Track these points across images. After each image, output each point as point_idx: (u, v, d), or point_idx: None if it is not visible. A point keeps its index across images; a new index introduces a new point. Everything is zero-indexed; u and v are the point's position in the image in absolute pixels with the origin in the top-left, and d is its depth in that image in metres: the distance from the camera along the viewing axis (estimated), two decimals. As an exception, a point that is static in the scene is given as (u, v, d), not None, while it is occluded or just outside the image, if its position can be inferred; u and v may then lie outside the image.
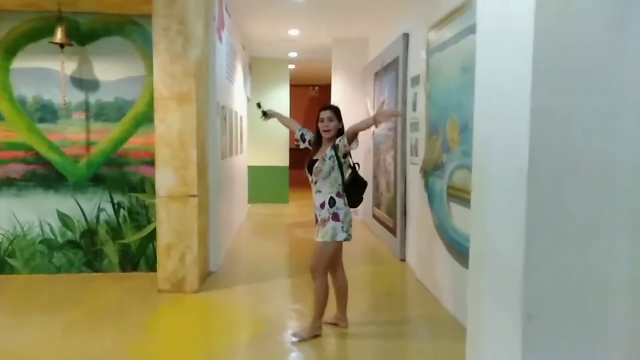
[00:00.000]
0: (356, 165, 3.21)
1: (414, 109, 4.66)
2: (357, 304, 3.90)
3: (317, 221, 3.07)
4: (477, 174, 2.12)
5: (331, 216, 2.99)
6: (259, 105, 3.54)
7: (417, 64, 4.56)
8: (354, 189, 3.14)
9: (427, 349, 3.08)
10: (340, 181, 3.03)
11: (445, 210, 3.68)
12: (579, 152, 1.67)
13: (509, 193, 1.82)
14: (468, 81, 3.26)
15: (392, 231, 5.37)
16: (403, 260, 5.00)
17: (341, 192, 3.06)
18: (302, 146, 3.30)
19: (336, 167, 2.99)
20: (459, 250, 3.42)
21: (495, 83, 1.96)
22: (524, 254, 1.70)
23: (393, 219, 5.35)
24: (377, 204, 6.33)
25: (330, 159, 2.98)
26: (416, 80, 4.59)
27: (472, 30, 3.22)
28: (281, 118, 3.53)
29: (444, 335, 3.25)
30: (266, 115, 3.48)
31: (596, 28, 1.65)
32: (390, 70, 5.51)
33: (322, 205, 3.01)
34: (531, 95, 1.68)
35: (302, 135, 3.27)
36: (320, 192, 3.03)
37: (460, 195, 3.39)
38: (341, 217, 3.01)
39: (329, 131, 3.03)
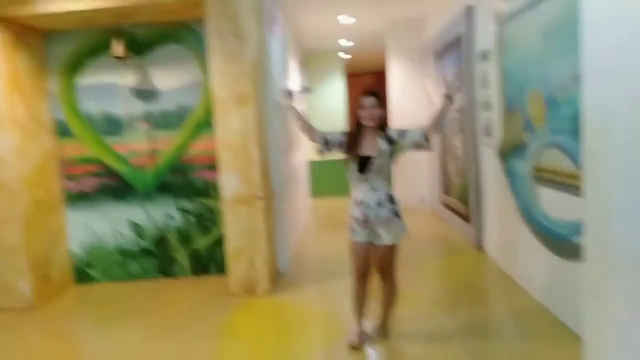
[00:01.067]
0: None
1: (485, 86, 4.30)
2: (435, 299, 3.66)
3: (365, 221, 2.75)
4: (590, 155, 1.81)
5: (394, 214, 2.74)
6: (304, 90, 3.28)
7: (484, 38, 4.20)
8: None
9: (520, 349, 2.78)
10: (391, 175, 2.81)
11: (530, 194, 3.34)
12: None
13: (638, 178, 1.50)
14: (552, 48, 2.91)
15: (465, 218, 5.04)
16: (479, 249, 4.67)
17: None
18: (325, 154, 2.91)
19: (391, 161, 2.77)
20: (550, 237, 3.09)
21: (613, 45, 1.62)
22: None
23: (466, 206, 5.02)
24: (445, 191, 6.00)
25: (387, 154, 2.73)
26: (485, 55, 4.23)
27: (552, -9, 2.86)
28: (298, 116, 3.06)
29: (539, 332, 2.93)
30: (290, 94, 3.15)
31: None
32: (453, 47, 5.15)
33: (380, 204, 2.72)
34: None
35: (327, 141, 2.86)
36: (375, 189, 2.73)
37: (550, 178, 3.04)
38: (401, 213, 2.80)
39: (372, 119, 2.72)
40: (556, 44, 2.86)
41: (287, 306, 3.68)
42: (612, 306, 1.71)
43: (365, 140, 2.76)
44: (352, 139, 2.78)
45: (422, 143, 2.75)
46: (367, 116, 2.71)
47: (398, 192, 7.42)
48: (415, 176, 7.08)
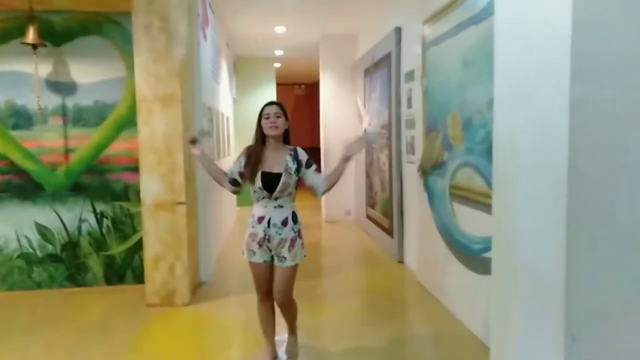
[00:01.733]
0: None
1: (409, 106, 4.49)
2: (356, 309, 3.73)
3: (267, 240, 2.56)
4: (499, 175, 1.94)
5: (297, 234, 2.60)
6: (201, 134, 2.88)
7: (411, 59, 4.39)
8: None
9: (434, 357, 2.91)
10: (295, 193, 2.65)
11: (447, 210, 3.52)
12: (626, 150, 1.48)
13: (544, 197, 1.61)
14: (470, 75, 3.11)
15: (388, 232, 5.20)
16: (401, 262, 4.84)
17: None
18: (240, 189, 2.69)
19: (296, 181, 2.60)
20: (465, 253, 3.27)
21: (521, 74, 1.76)
22: (565, 266, 1.50)
23: (389, 219, 5.19)
24: (370, 204, 6.17)
25: (294, 173, 2.57)
26: (410, 76, 4.42)
27: (472, 21, 3.07)
28: (205, 163, 2.73)
29: (452, 343, 3.08)
30: (194, 141, 2.67)
31: None
32: (382, 65, 5.34)
33: (285, 222, 2.56)
34: (570, 86, 1.46)
35: (234, 180, 2.64)
36: (282, 207, 2.57)
37: (465, 195, 3.23)
38: (302, 232, 2.67)
39: (276, 127, 2.55)
40: (473, 70, 3.06)
41: (207, 318, 3.55)
42: (514, 319, 1.83)
43: (270, 156, 2.58)
44: (255, 154, 2.58)
45: (317, 189, 2.62)
46: (271, 124, 2.54)
47: (324, 204, 7.55)
48: (342, 189, 7.19)
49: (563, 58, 1.47)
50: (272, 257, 2.62)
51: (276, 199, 2.56)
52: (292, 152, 2.62)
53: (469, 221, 3.18)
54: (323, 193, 2.64)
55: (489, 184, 2.84)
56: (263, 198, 2.57)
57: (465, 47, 3.17)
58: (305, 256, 2.67)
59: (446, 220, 3.56)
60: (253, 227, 2.61)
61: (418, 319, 3.60)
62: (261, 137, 2.61)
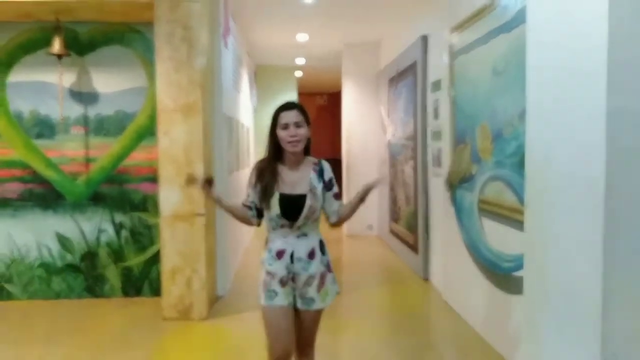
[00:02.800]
0: None
1: (436, 116, 4.34)
2: (379, 328, 3.58)
3: (291, 279, 2.02)
4: (531, 190, 1.80)
5: (327, 268, 2.08)
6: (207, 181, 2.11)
7: (437, 68, 4.25)
8: None
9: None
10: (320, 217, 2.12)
11: (476, 226, 3.35)
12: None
13: (580, 213, 1.50)
14: (501, 85, 2.96)
15: (413, 248, 5.03)
16: (426, 280, 4.66)
17: None
18: (260, 222, 2.15)
19: (322, 201, 2.07)
20: (494, 271, 3.09)
21: (555, 85, 1.65)
22: (602, 283, 1.41)
23: (413, 235, 5.01)
24: (394, 218, 6.00)
25: (321, 193, 2.05)
26: (437, 85, 4.28)
27: (502, 29, 2.92)
28: (223, 206, 2.14)
29: (481, 368, 2.90)
30: (210, 182, 2.11)
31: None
32: (407, 75, 5.21)
33: (312, 255, 2.03)
34: (607, 97, 1.38)
35: (257, 212, 2.11)
36: (306, 235, 2.03)
37: (494, 210, 3.06)
38: (331, 263, 2.14)
39: (297, 142, 1.99)
40: (504, 80, 2.90)
41: (224, 333, 3.45)
42: (547, 341, 1.69)
43: (288, 172, 2.05)
44: (269, 171, 2.04)
45: (328, 217, 2.12)
46: (291, 138, 1.98)
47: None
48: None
49: (599, 68, 1.40)
50: (294, 299, 2.05)
51: (300, 227, 2.03)
52: (317, 167, 2.09)
53: (499, 238, 3.01)
54: (332, 225, 2.15)
55: (520, 199, 2.67)
56: (282, 227, 2.03)
57: (495, 56, 3.02)
58: (338, 293, 2.14)
59: (474, 237, 3.38)
60: (270, 264, 2.03)
61: (444, 339, 3.42)
62: (276, 150, 2.05)
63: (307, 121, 2.05)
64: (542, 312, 1.76)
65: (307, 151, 2.11)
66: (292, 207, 1.99)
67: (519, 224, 2.64)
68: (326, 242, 2.12)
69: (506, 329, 2.93)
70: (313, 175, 2.05)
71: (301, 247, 2.02)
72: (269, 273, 2.04)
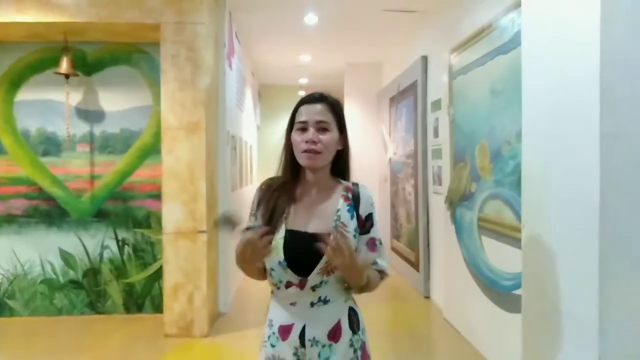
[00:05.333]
0: None
1: (436, 135, 4.40)
2: (380, 346, 3.56)
3: None
4: (528, 209, 1.83)
5: (360, 352, 1.37)
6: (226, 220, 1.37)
7: (437, 88, 4.32)
8: None
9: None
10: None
11: (476, 244, 3.37)
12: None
13: (576, 232, 1.53)
14: (498, 104, 3.01)
15: (414, 265, 5.03)
16: (427, 297, 4.65)
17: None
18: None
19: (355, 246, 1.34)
20: (494, 289, 3.10)
21: (550, 106, 1.69)
22: (598, 306, 1.42)
23: (415, 252, 5.02)
24: (395, 236, 6.01)
25: (354, 234, 1.34)
26: (437, 105, 4.35)
27: (500, 50, 2.99)
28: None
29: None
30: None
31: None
32: (408, 94, 5.29)
33: (335, 334, 1.33)
34: (600, 119, 1.42)
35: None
36: (326, 302, 1.33)
37: (494, 228, 3.09)
38: (368, 346, 1.42)
39: (317, 153, 1.32)
40: (502, 100, 2.96)
41: (225, 350, 3.45)
42: (545, 359, 1.70)
43: (305, 200, 1.37)
44: (280, 195, 1.36)
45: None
46: (307, 145, 1.31)
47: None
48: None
49: (592, 91, 1.44)
50: None
51: (315, 287, 1.30)
52: (350, 193, 1.37)
53: (499, 256, 3.02)
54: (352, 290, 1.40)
55: (519, 217, 2.69)
56: (288, 286, 1.32)
57: (493, 77, 3.08)
58: None
59: (474, 254, 3.40)
60: (273, 346, 1.37)
61: (444, 357, 3.40)
62: (293, 165, 1.37)
63: (341, 124, 1.38)
64: (541, 332, 1.76)
65: (339, 171, 1.42)
66: (304, 254, 1.27)
67: (518, 242, 2.66)
68: (360, 312, 1.41)
69: (506, 347, 2.92)
70: (343, 206, 1.34)
71: (318, 322, 1.32)
72: (268, 359, 1.38)
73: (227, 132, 4.33)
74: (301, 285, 1.29)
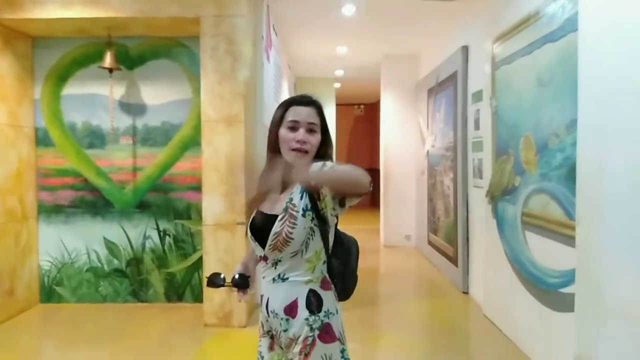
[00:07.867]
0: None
1: (476, 127, 4.28)
2: (416, 342, 3.52)
3: (271, 335, 1.53)
4: (584, 206, 1.75)
5: (317, 332, 1.41)
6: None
7: (478, 78, 4.20)
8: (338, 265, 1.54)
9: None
10: (324, 257, 1.48)
11: (519, 239, 3.26)
12: None
13: (633, 230, 1.44)
14: (545, 95, 2.89)
15: (452, 260, 4.94)
16: (465, 293, 4.56)
17: (327, 278, 1.50)
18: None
19: (317, 230, 1.44)
20: (539, 286, 2.99)
21: (611, 96, 1.59)
22: None
23: (453, 247, 4.93)
24: (433, 230, 5.91)
25: (304, 213, 1.42)
26: (478, 96, 4.22)
27: (548, 38, 2.86)
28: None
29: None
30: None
31: None
32: (447, 85, 5.16)
33: (291, 310, 1.44)
34: None
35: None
36: (283, 278, 1.45)
37: (539, 224, 2.98)
38: (336, 329, 1.45)
39: (304, 152, 1.47)
40: (549, 90, 2.84)
41: (262, 340, 3.49)
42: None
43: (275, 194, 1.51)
44: (260, 183, 1.57)
45: (337, 208, 1.47)
46: (298, 145, 1.46)
47: (382, 228, 7.32)
48: (402, 212, 7.00)
49: None
50: None
51: (275, 263, 1.45)
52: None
53: (544, 252, 2.92)
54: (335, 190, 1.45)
55: (567, 213, 2.58)
56: (261, 260, 1.51)
57: (540, 66, 2.96)
58: None
59: (517, 250, 3.30)
60: (261, 312, 1.55)
61: (483, 356, 3.33)
62: (274, 154, 1.52)
63: (324, 128, 1.51)
64: (597, 335, 1.68)
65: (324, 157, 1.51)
66: (262, 231, 1.46)
67: (566, 239, 2.56)
68: (325, 296, 1.45)
69: (550, 345, 2.82)
70: (297, 189, 1.44)
71: (277, 295, 1.45)
72: (260, 322, 1.56)
73: (265, 125, 4.35)
74: (265, 260, 1.48)
